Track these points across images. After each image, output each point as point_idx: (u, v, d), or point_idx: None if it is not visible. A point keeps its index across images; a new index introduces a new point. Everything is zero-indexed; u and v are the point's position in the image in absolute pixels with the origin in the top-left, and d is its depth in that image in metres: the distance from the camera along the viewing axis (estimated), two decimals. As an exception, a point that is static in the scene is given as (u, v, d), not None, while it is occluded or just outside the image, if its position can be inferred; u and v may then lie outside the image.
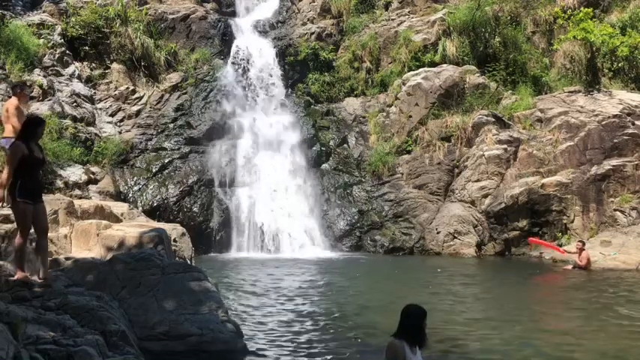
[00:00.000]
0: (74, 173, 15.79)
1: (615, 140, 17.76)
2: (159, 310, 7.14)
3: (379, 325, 8.75)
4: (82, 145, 16.90)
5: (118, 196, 16.57)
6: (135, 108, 19.16)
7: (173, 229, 10.92)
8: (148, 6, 21.33)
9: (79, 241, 9.15)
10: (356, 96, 21.42)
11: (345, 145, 20.14)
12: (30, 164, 7.00)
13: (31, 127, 7.18)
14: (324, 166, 19.61)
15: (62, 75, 18.49)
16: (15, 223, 9.15)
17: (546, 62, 21.43)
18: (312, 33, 22.21)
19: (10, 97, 11.17)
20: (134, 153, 18.13)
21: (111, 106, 18.99)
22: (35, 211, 7.09)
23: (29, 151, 6.99)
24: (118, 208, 11.67)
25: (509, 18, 21.58)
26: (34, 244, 8.63)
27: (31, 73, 17.54)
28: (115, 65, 19.75)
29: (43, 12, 19.90)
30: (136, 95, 19.42)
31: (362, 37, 22.06)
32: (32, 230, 7.21)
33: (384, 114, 20.32)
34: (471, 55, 20.78)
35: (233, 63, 20.87)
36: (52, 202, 10.35)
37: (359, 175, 19.39)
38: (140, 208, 15.75)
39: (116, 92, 19.24)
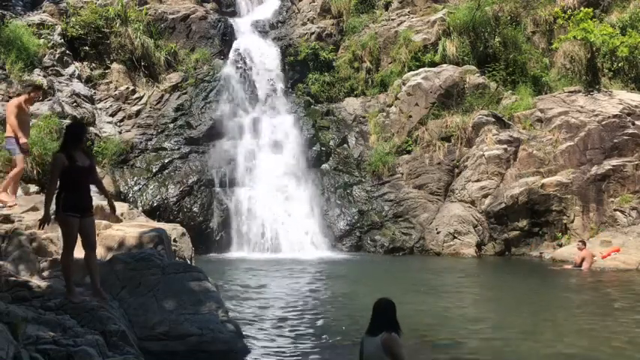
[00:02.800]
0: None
1: (615, 140, 17.77)
2: (159, 310, 7.14)
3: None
4: (82, 145, 16.88)
5: (118, 196, 16.56)
6: (135, 108, 19.15)
7: (173, 229, 10.91)
8: (148, 6, 21.32)
9: (79, 241, 9.13)
10: (356, 96, 21.41)
11: (345, 145, 20.13)
12: (73, 175, 6.70)
13: (68, 134, 6.92)
14: (324, 166, 19.60)
15: (62, 75, 18.48)
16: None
17: (546, 62, 21.42)
18: (312, 33, 22.20)
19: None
20: (134, 153, 18.13)
21: (111, 106, 18.99)
22: (82, 225, 6.78)
23: (71, 161, 6.70)
24: (118, 208, 11.63)
25: (509, 18, 21.57)
26: (34, 244, 8.64)
27: (31, 73, 17.52)
28: (115, 65, 19.74)
29: (43, 12, 19.89)
30: (136, 95, 19.42)
31: (362, 37, 22.05)
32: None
33: (384, 114, 20.32)
34: (471, 55, 20.78)
35: (233, 63, 20.87)
36: (52, 202, 10.32)
37: (359, 175, 19.38)
38: (140, 208, 15.73)
39: (116, 92, 19.24)
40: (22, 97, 10.53)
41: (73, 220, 6.72)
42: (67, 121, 16.97)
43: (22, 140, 10.21)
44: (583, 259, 14.79)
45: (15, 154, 10.35)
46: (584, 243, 15.22)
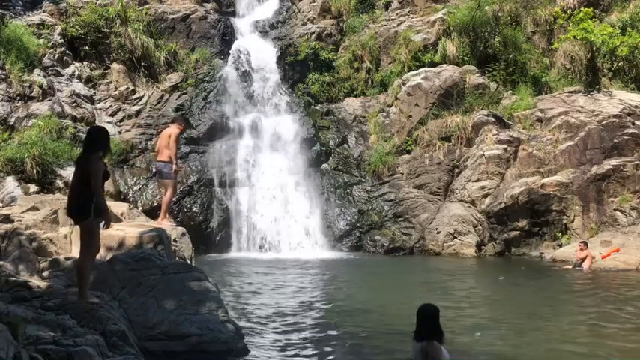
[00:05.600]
0: (74, 173, 15.78)
1: (615, 140, 17.76)
2: (159, 310, 7.14)
3: (380, 326, 8.76)
4: (84, 144, 16.85)
5: (118, 196, 16.57)
6: (135, 108, 19.15)
7: (173, 229, 10.91)
8: (148, 6, 21.32)
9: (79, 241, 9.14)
10: (356, 96, 21.40)
11: (345, 145, 20.13)
12: (103, 179, 6.70)
13: (104, 138, 6.87)
14: (324, 166, 19.60)
15: (62, 75, 18.49)
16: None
17: (546, 62, 21.42)
18: (312, 33, 22.20)
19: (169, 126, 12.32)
20: (134, 153, 18.13)
21: (111, 106, 18.99)
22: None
23: (104, 165, 6.76)
24: (118, 208, 11.65)
25: (509, 18, 21.56)
26: (34, 244, 8.65)
27: (31, 73, 17.54)
28: (115, 65, 19.74)
29: (43, 12, 19.89)
30: (136, 95, 19.42)
31: (362, 37, 22.05)
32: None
33: (384, 114, 20.31)
34: (470, 55, 20.77)
35: (233, 63, 20.87)
36: (52, 202, 10.36)
37: (359, 175, 19.39)
38: (140, 208, 15.73)
39: (116, 92, 19.24)
40: (179, 128, 11.79)
41: (98, 225, 6.70)
42: (67, 121, 17.04)
43: (174, 167, 11.50)
44: (583, 259, 14.81)
45: (170, 178, 11.54)
46: (585, 244, 15.23)
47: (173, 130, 11.76)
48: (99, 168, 6.56)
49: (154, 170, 12.14)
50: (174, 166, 11.46)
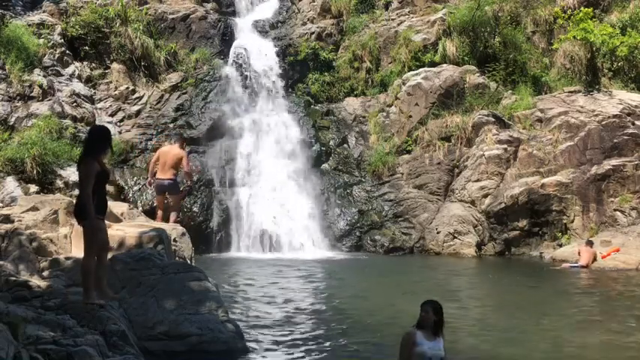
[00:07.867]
0: (74, 173, 15.72)
1: (615, 140, 17.77)
2: (159, 310, 7.14)
3: (379, 325, 8.76)
4: (82, 145, 16.84)
5: (118, 196, 16.56)
6: (135, 108, 19.14)
7: (173, 229, 10.88)
8: (148, 6, 21.30)
9: (79, 241, 9.11)
10: (356, 96, 21.40)
11: (345, 145, 20.13)
12: (102, 180, 6.73)
13: (101, 138, 6.89)
14: (324, 166, 19.60)
15: (62, 75, 18.48)
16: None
17: (546, 62, 21.43)
18: (312, 33, 22.20)
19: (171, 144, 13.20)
20: (134, 153, 18.11)
21: (111, 106, 18.97)
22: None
23: (101, 165, 6.73)
24: (118, 208, 11.62)
25: (509, 18, 21.57)
26: (34, 244, 8.65)
27: (31, 73, 17.52)
28: (115, 65, 19.73)
29: (43, 12, 19.88)
30: (136, 95, 19.41)
31: (362, 37, 22.05)
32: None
33: (384, 114, 20.31)
34: (470, 55, 20.78)
35: (233, 63, 20.86)
36: (52, 202, 10.34)
37: (359, 175, 19.39)
38: (140, 208, 15.71)
39: (116, 92, 19.22)
40: (182, 147, 12.57)
41: (101, 223, 6.74)
42: (67, 121, 17.02)
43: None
44: (580, 254, 14.97)
45: (178, 193, 12.58)
46: (590, 244, 15.31)
47: (179, 151, 12.31)
48: (90, 170, 6.56)
49: (155, 187, 12.76)
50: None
